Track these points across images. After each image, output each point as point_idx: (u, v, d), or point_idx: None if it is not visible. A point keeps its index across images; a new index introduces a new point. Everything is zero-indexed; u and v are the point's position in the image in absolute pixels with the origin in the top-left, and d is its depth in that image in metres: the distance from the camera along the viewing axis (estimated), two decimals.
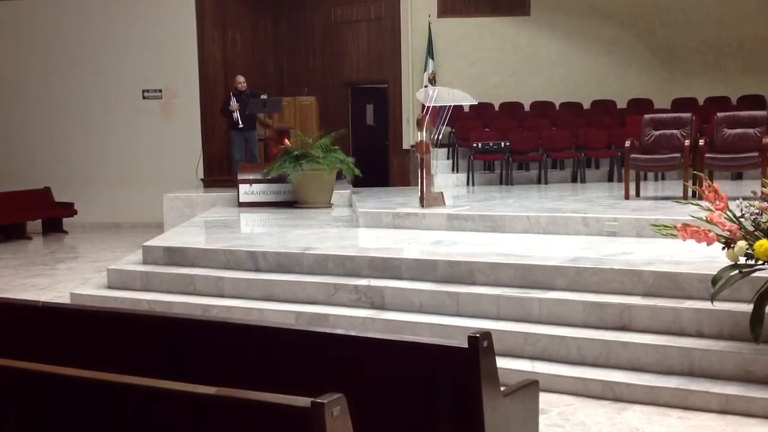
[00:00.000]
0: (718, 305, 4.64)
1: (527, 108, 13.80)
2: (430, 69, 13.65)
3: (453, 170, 12.87)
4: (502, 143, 11.97)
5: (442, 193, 8.64)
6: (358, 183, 11.57)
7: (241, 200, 10.98)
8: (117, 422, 2.26)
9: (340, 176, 11.06)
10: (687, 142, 8.81)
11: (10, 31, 15.07)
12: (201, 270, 6.94)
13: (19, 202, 13.19)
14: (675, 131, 9.09)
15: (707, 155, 8.68)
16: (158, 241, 7.81)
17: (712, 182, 4.62)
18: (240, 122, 11.80)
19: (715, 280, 4.40)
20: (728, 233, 4.38)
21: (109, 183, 14.66)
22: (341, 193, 10.98)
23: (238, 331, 3.07)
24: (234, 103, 11.76)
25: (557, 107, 13.69)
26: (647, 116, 9.62)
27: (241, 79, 12.19)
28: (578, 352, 4.93)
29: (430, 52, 13.73)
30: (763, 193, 4.56)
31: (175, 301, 6.57)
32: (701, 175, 5.92)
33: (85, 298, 7.02)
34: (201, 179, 13.61)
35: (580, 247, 6.41)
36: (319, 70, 14.97)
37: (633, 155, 9.01)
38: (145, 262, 7.44)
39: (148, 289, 7.02)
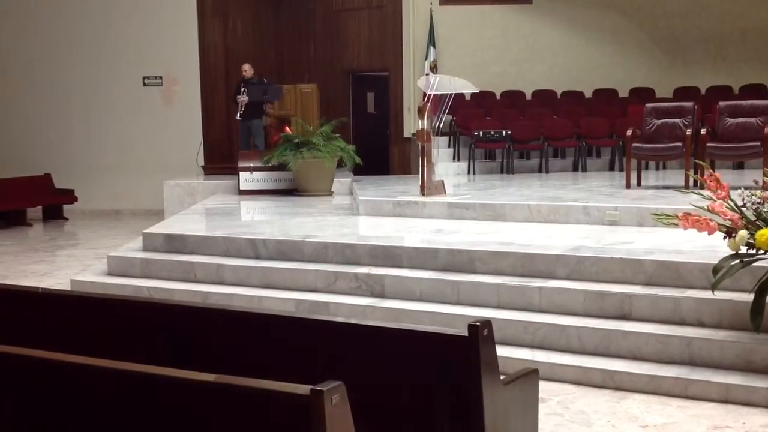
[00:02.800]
0: (719, 295, 4.64)
1: (529, 97, 13.76)
2: (432, 57, 13.60)
3: (454, 159, 12.84)
4: (504, 132, 11.94)
5: (442, 181, 8.63)
6: (358, 171, 11.55)
7: (241, 188, 10.96)
8: (116, 409, 2.26)
9: (340, 164, 11.04)
10: (689, 132, 8.79)
11: (10, 18, 15.02)
12: (201, 257, 6.94)
13: (19, 189, 13.20)
14: (677, 120, 9.07)
15: (709, 144, 8.66)
16: (158, 229, 7.81)
17: (714, 172, 4.60)
18: (240, 111, 11.70)
19: (716, 269, 4.40)
20: (729, 222, 4.37)
21: (109, 170, 14.66)
22: (342, 181, 10.97)
23: (238, 318, 3.07)
24: (241, 94, 11.68)
25: (559, 96, 13.65)
26: (649, 105, 9.59)
27: (245, 66, 12.07)
28: (579, 341, 4.93)
29: (431, 40, 13.68)
30: (764, 182, 4.55)
31: (175, 289, 6.57)
32: (703, 164, 5.89)
33: (85, 285, 7.01)
34: (201, 167, 13.59)
35: (581, 236, 6.40)
36: (320, 58, 14.91)
37: (634, 144, 8.99)
38: (145, 249, 7.44)
39: (148, 276, 7.03)
